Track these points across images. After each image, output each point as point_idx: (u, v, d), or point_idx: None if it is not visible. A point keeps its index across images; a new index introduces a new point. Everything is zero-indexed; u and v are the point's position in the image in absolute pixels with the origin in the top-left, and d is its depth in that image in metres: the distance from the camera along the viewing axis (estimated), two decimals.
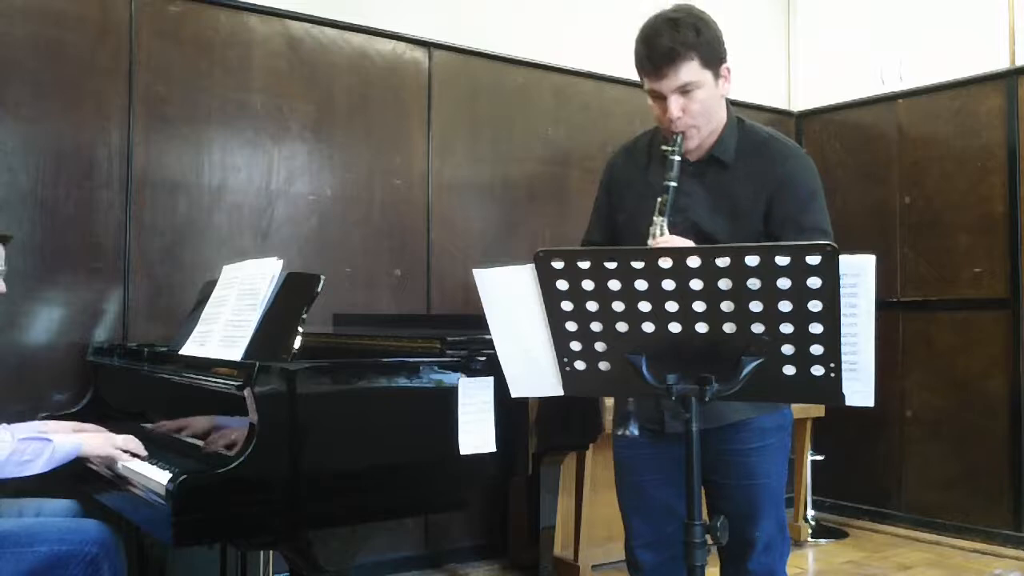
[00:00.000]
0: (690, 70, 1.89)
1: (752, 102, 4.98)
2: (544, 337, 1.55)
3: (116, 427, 2.51)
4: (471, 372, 2.33)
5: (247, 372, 2.05)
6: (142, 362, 2.79)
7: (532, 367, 1.61)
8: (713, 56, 1.92)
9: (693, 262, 1.38)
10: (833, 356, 1.39)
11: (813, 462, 4.64)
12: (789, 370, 1.43)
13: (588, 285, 1.46)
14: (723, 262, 1.37)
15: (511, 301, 1.56)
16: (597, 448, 3.40)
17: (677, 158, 1.92)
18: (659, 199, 1.90)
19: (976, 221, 4.55)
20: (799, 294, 1.35)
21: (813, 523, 4.66)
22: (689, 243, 1.83)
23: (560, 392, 1.61)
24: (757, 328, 1.40)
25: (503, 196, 4.34)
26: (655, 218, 1.89)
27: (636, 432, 1.67)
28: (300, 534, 2.09)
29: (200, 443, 2.30)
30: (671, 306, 1.43)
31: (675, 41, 1.87)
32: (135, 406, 2.86)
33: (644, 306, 1.45)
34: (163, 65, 3.47)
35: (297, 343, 2.23)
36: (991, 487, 4.46)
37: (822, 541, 4.56)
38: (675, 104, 1.91)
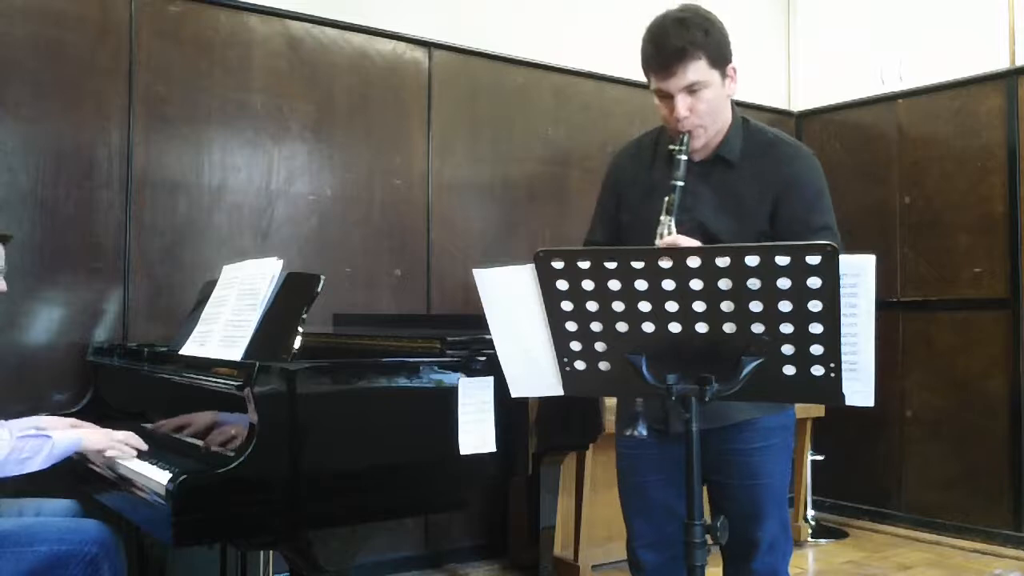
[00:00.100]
0: (697, 69, 1.90)
1: (752, 102, 4.98)
2: (544, 337, 1.55)
3: (116, 427, 2.51)
4: (471, 372, 2.33)
5: (247, 372, 2.05)
6: (142, 362, 2.79)
7: (532, 367, 1.61)
8: (720, 56, 1.93)
9: (693, 262, 1.38)
10: (833, 356, 1.39)
11: (813, 462, 4.64)
12: (789, 370, 1.43)
13: (588, 285, 1.46)
14: (723, 262, 1.37)
15: (511, 301, 1.56)
16: (597, 448, 3.40)
17: (684, 157, 1.92)
18: (666, 198, 1.90)
19: (976, 221, 4.55)
20: (799, 294, 1.35)
21: (813, 523, 4.66)
22: (697, 243, 1.83)
23: (560, 392, 1.61)
24: (757, 328, 1.40)
25: (503, 196, 4.34)
26: (662, 217, 1.88)
27: (645, 433, 1.67)
28: (300, 534, 2.09)
29: (200, 443, 2.30)
30: (671, 306, 1.43)
31: (683, 40, 1.88)
32: (135, 406, 2.86)
33: (644, 306, 1.45)
34: (163, 65, 3.47)
35: (297, 343, 2.23)
36: (991, 487, 4.46)
37: (822, 541, 4.56)
38: (682, 103, 1.91)
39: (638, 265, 1.42)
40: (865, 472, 4.96)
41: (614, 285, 1.44)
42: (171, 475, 1.96)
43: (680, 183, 1.90)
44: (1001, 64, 4.47)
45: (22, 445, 2.09)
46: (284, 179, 3.73)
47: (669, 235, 1.86)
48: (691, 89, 1.91)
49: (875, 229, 4.84)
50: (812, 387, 1.44)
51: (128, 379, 2.95)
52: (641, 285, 1.43)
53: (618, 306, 1.46)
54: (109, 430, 2.31)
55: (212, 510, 1.95)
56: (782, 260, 1.34)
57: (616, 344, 1.51)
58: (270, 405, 2.02)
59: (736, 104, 2.09)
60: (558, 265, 1.46)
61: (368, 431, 2.19)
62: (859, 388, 1.43)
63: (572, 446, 3.02)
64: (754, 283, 1.37)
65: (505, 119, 4.35)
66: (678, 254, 1.40)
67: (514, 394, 1.68)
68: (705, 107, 1.93)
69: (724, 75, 1.96)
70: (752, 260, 1.35)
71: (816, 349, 1.39)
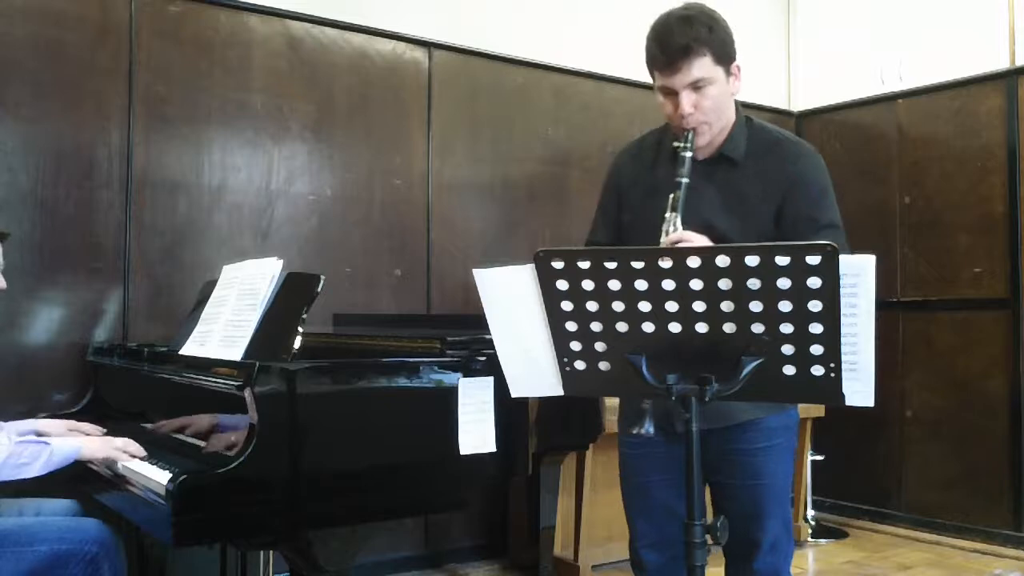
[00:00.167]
0: (702, 66, 1.90)
1: (752, 102, 4.98)
2: (544, 337, 1.55)
3: (116, 427, 2.52)
4: (471, 372, 2.33)
5: (247, 372, 2.05)
6: (142, 362, 2.79)
7: (532, 367, 1.61)
8: (725, 53, 1.94)
9: (693, 262, 1.38)
10: (833, 356, 1.39)
11: (813, 462, 4.64)
12: (789, 370, 1.43)
13: (588, 285, 1.46)
14: (723, 262, 1.37)
15: (511, 301, 1.55)
16: (597, 448, 3.40)
17: (689, 154, 1.92)
18: (671, 195, 1.90)
19: (976, 221, 4.55)
20: (799, 294, 1.35)
21: (813, 523, 4.66)
22: (704, 238, 1.83)
23: (560, 392, 1.61)
24: (757, 328, 1.40)
25: (503, 196, 4.34)
26: (667, 214, 1.88)
27: (652, 430, 1.66)
28: (300, 534, 2.09)
29: (200, 443, 2.30)
30: (671, 306, 1.43)
31: (689, 36, 1.89)
32: (135, 406, 2.86)
33: (644, 306, 1.45)
34: (163, 65, 3.47)
35: (297, 343, 2.23)
36: (991, 487, 4.46)
37: (822, 541, 4.56)
38: (687, 100, 1.92)
39: (638, 265, 1.41)
40: (865, 472, 4.96)
41: (614, 285, 1.44)
42: (171, 475, 1.96)
43: (685, 180, 1.90)
44: (1001, 64, 4.47)
45: (20, 450, 2.09)
46: (284, 179, 3.73)
47: (675, 231, 1.86)
48: (696, 86, 1.91)
49: (875, 229, 4.85)
50: (812, 387, 1.44)
51: (128, 379, 2.95)
52: (641, 285, 1.43)
53: (618, 306, 1.46)
54: (108, 437, 2.31)
55: (212, 510, 1.95)
56: (782, 260, 1.34)
57: (616, 344, 1.51)
58: (270, 405, 2.03)
59: (736, 104, 2.09)
60: (558, 265, 1.46)
61: (368, 431, 2.19)
62: (859, 388, 1.43)
63: (572, 446, 3.02)
64: (754, 283, 1.37)
65: (505, 119, 4.35)
66: (678, 254, 1.40)
67: (514, 394, 1.68)
68: (710, 104, 1.93)
69: (728, 73, 1.96)
70: (752, 260, 1.35)
71: (816, 349, 1.39)
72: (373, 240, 3.94)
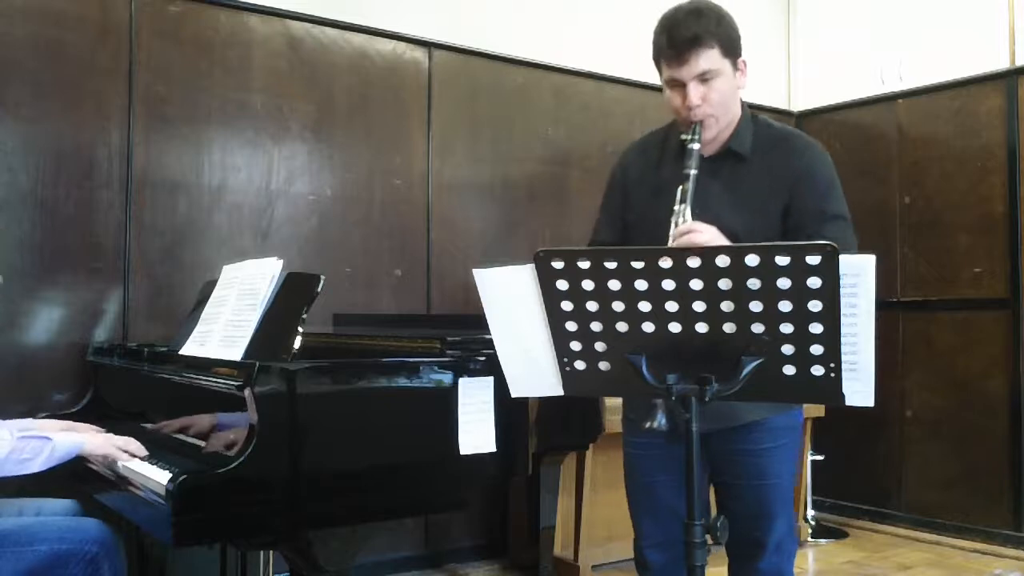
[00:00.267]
0: (710, 57, 1.92)
1: (752, 102, 4.93)
2: (544, 337, 1.55)
3: (116, 427, 2.51)
4: (471, 372, 2.33)
5: (247, 372, 2.05)
6: (142, 362, 2.79)
7: (532, 367, 1.61)
8: (732, 47, 1.96)
9: (693, 262, 1.38)
10: (833, 356, 1.39)
11: (813, 462, 4.64)
12: (789, 370, 1.43)
13: (588, 285, 1.46)
14: (723, 262, 1.37)
15: (511, 301, 1.55)
16: (597, 448, 3.40)
17: (697, 146, 1.93)
18: (680, 187, 1.90)
19: (976, 221, 4.55)
20: (799, 294, 1.35)
21: (813, 523, 4.66)
22: (713, 228, 1.83)
23: (560, 392, 1.61)
24: (757, 328, 1.40)
25: (503, 196, 4.34)
26: (676, 207, 1.88)
27: (664, 422, 1.65)
28: (300, 534, 2.09)
29: (200, 443, 2.30)
30: (671, 306, 1.43)
31: (698, 28, 1.91)
32: (135, 406, 2.86)
33: (644, 306, 1.45)
34: (163, 65, 3.47)
35: (297, 343, 2.23)
36: (991, 487, 4.46)
37: (822, 541, 4.56)
38: (695, 92, 1.93)
39: (638, 265, 1.41)
40: (865, 472, 4.96)
41: (614, 285, 1.44)
42: (171, 475, 1.96)
43: (694, 171, 1.90)
44: (1001, 64, 4.47)
45: (23, 446, 2.09)
46: (284, 179, 3.73)
47: (684, 223, 1.86)
48: (703, 77, 1.93)
49: (875, 229, 4.84)
50: (812, 387, 1.44)
51: (128, 379, 2.95)
52: (641, 285, 1.43)
53: (618, 306, 1.46)
54: (110, 434, 2.31)
55: (212, 510, 1.95)
56: (782, 260, 1.34)
57: (616, 344, 1.51)
58: (270, 405, 2.03)
59: (741, 101, 2.10)
60: (558, 265, 1.46)
61: (368, 431, 2.19)
62: (859, 388, 1.43)
63: (572, 446, 3.01)
64: (754, 283, 1.37)
65: (505, 119, 4.35)
66: (678, 254, 1.40)
67: (514, 394, 1.68)
68: (717, 96, 1.94)
69: (735, 68, 1.98)
70: (752, 260, 1.35)
71: (816, 349, 1.39)
72: (373, 240, 3.94)
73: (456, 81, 4.21)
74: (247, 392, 2.02)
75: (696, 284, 1.39)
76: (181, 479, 1.91)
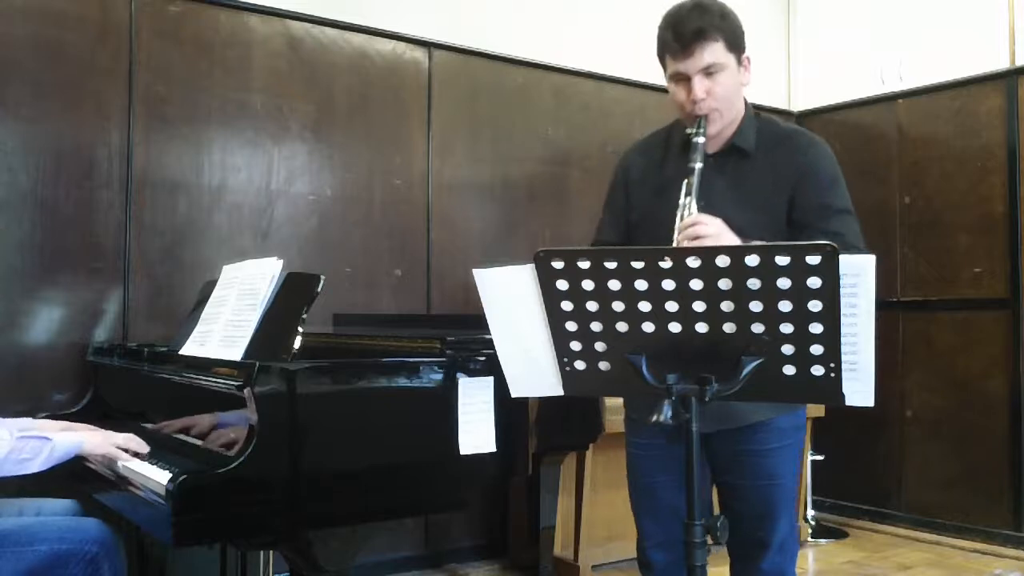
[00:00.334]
0: (715, 51, 1.93)
1: (752, 102, 4.96)
2: (544, 337, 1.55)
3: (116, 427, 2.51)
4: (471, 372, 2.33)
5: (247, 372, 2.05)
6: (142, 362, 2.79)
7: (532, 367, 1.61)
8: (736, 42, 1.97)
9: (693, 262, 1.38)
10: (833, 356, 1.39)
11: (813, 462, 4.64)
12: (789, 370, 1.43)
13: (588, 285, 1.46)
14: (723, 262, 1.37)
15: (511, 301, 1.55)
16: (597, 448, 3.40)
17: (702, 140, 1.93)
18: (686, 181, 1.90)
19: (976, 221, 4.55)
20: (799, 294, 1.35)
21: (813, 523, 4.66)
22: (719, 221, 1.83)
23: (560, 392, 1.61)
24: (757, 328, 1.40)
25: (503, 196, 4.34)
26: (682, 200, 1.88)
27: (670, 416, 1.65)
28: (300, 534, 2.09)
29: (200, 443, 2.30)
30: (671, 306, 1.43)
31: (703, 21, 1.92)
32: (135, 406, 2.86)
33: (644, 306, 1.45)
34: (163, 65, 3.47)
35: (297, 343, 2.23)
36: (991, 487, 4.46)
37: (822, 541, 4.56)
38: (700, 85, 1.94)
39: (638, 265, 1.41)
40: (865, 472, 4.96)
41: (614, 285, 1.44)
42: (171, 475, 1.96)
43: (699, 165, 1.90)
44: (1001, 64, 4.47)
45: (22, 446, 2.09)
46: (284, 179, 3.73)
47: (690, 215, 1.86)
48: (708, 71, 1.94)
49: (875, 229, 4.84)
50: (812, 387, 1.44)
51: (128, 379, 2.95)
52: (641, 285, 1.43)
53: (618, 306, 1.46)
54: (110, 432, 2.31)
55: (212, 510, 1.95)
56: (782, 260, 1.34)
57: (616, 344, 1.51)
58: (270, 405, 2.03)
59: (745, 99, 2.10)
60: (558, 265, 1.46)
61: (368, 431, 2.19)
62: (859, 388, 1.43)
63: (572, 446, 3.01)
64: (754, 283, 1.37)
65: (505, 119, 4.35)
66: (678, 254, 1.40)
67: (514, 394, 1.68)
68: (722, 90, 1.95)
69: (739, 63, 1.99)
70: (752, 260, 1.35)
71: (816, 349, 1.39)
72: (373, 240, 3.94)
73: (456, 81, 4.21)
74: (247, 392, 2.02)
75: (696, 284, 1.39)
76: (181, 479, 1.91)
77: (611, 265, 1.43)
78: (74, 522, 2.26)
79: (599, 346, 1.52)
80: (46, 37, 3.23)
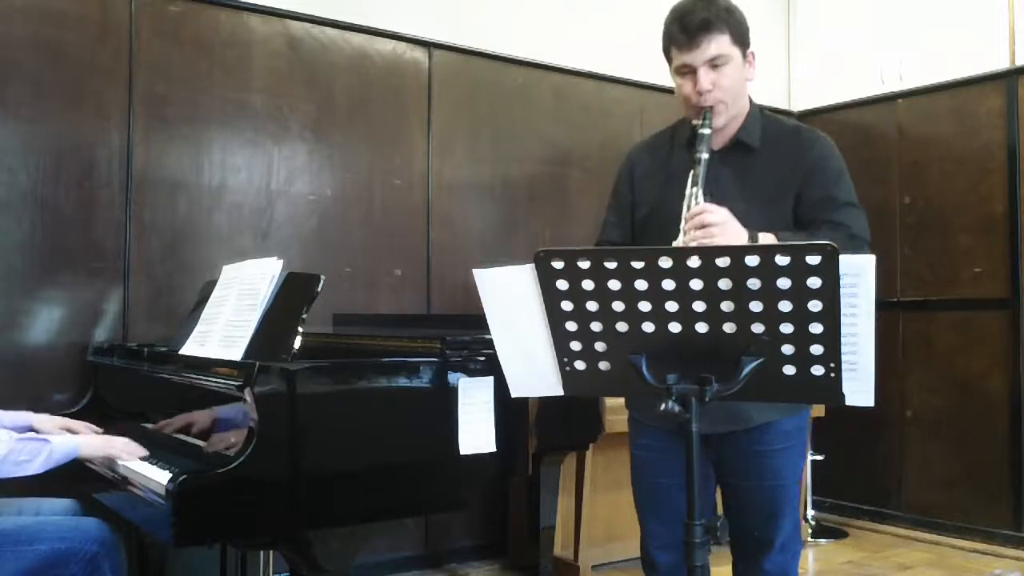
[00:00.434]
0: (721, 43, 1.95)
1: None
2: (544, 337, 1.55)
3: (116, 427, 2.51)
4: (471, 372, 2.33)
5: (247, 372, 2.05)
6: (142, 362, 2.79)
7: (532, 367, 1.61)
8: (741, 36, 1.99)
9: (693, 262, 1.38)
10: (833, 356, 1.39)
11: (813, 462, 4.64)
12: (789, 370, 1.43)
13: (588, 285, 1.46)
14: (723, 262, 1.37)
15: (511, 301, 1.55)
16: (597, 448, 3.40)
17: (708, 131, 1.94)
18: (692, 172, 1.91)
19: (976, 221, 4.55)
20: (799, 294, 1.35)
21: (813, 523, 4.66)
22: (725, 210, 1.84)
23: (560, 392, 1.61)
24: (757, 328, 1.40)
25: (503, 196, 4.34)
26: (688, 190, 1.89)
27: (678, 405, 1.64)
28: (300, 534, 2.09)
29: (200, 443, 2.30)
30: (671, 306, 1.43)
31: (708, 13, 1.95)
32: (135, 406, 2.86)
33: (644, 306, 1.45)
34: (163, 65, 3.47)
35: (297, 343, 2.23)
36: (991, 487, 4.46)
37: (822, 541, 4.56)
38: (706, 77, 1.95)
39: (638, 265, 1.41)
40: (865, 472, 4.96)
41: (614, 285, 1.44)
42: (171, 475, 1.96)
43: (705, 155, 1.91)
44: (1001, 64, 4.47)
45: (20, 447, 2.09)
46: (284, 179, 3.73)
47: (697, 205, 1.86)
48: (714, 63, 1.95)
49: (875, 229, 4.76)
50: (812, 387, 1.44)
51: (128, 379, 2.95)
52: (641, 285, 1.43)
53: (618, 306, 1.46)
54: (108, 436, 2.31)
55: (212, 510, 1.95)
56: (782, 260, 1.34)
57: (616, 344, 1.51)
58: (270, 405, 2.03)
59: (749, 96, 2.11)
60: (558, 265, 1.46)
61: (368, 431, 2.19)
62: (859, 388, 1.43)
63: (572, 446, 3.02)
64: (754, 283, 1.37)
65: (505, 119, 4.35)
66: (678, 254, 1.40)
67: (514, 394, 1.68)
68: (728, 82, 1.97)
69: (744, 57, 2.01)
70: (752, 260, 1.35)
71: (816, 349, 1.39)
72: (373, 240, 3.94)
73: (456, 81, 4.21)
74: (247, 392, 2.02)
75: (696, 284, 1.39)
76: (181, 479, 1.91)
77: (611, 265, 1.43)
78: (74, 521, 2.26)
79: (599, 346, 1.52)
80: (46, 37, 3.23)
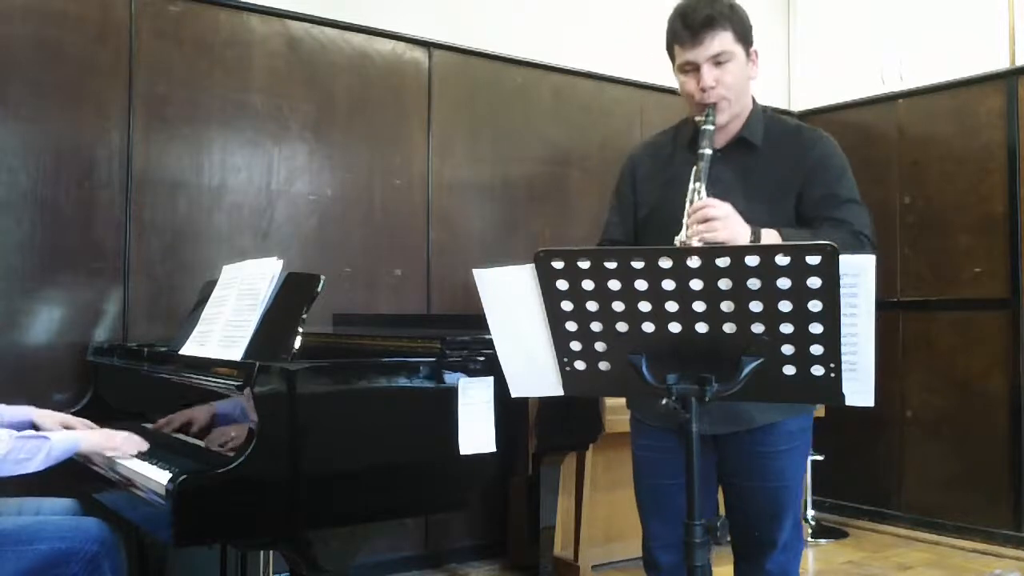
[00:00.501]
0: (724, 40, 1.96)
1: None
2: (544, 337, 1.55)
3: (116, 427, 2.51)
4: (471, 372, 2.33)
5: (247, 372, 2.05)
6: (142, 362, 2.79)
7: (532, 367, 1.61)
8: (745, 33, 2.00)
9: (693, 262, 1.38)
10: (833, 356, 1.39)
11: (813, 462, 4.62)
12: (789, 370, 1.43)
13: (588, 285, 1.46)
14: (723, 262, 1.37)
15: (511, 301, 1.55)
16: (597, 448, 3.40)
17: (711, 127, 1.95)
18: (695, 167, 1.91)
19: (976, 221, 4.55)
20: (799, 294, 1.35)
21: (813, 523, 4.66)
22: (727, 205, 1.84)
23: (560, 392, 1.61)
24: (757, 328, 1.40)
25: (503, 196, 4.34)
26: (691, 185, 1.89)
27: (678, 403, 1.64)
28: (300, 534, 2.09)
29: (200, 443, 2.30)
30: (671, 306, 1.43)
31: (712, 10, 1.96)
32: (135, 406, 2.86)
33: (644, 306, 1.45)
34: (163, 65, 3.47)
35: (297, 343, 2.23)
36: (991, 487, 4.45)
37: (822, 541, 4.56)
38: (709, 74, 1.96)
39: (638, 265, 1.41)
40: (865, 472, 4.96)
41: (614, 285, 1.44)
42: (171, 475, 1.96)
43: (708, 151, 1.92)
44: (1001, 64, 4.47)
45: (20, 446, 2.09)
46: (284, 179, 3.73)
47: (700, 200, 1.86)
48: (717, 60, 1.96)
49: (875, 229, 4.83)
50: (812, 387, 1.44)
51: (128, 379, 2.95)
52: (641, 285, 1.43)
53: (618, 306, 1.46)
54: (108, 431, 2.31)
55: (212, 510, 1.95)
56: (782, 260, 1.34)
57: (616, 344, 1.51)
58: (270, 405, 2.03)
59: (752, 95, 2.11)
60: (558, 265, 1.46)
61: (368, 431, 2.19)
62: (859, 388, 1.43)
63: (572, 446, 3.02)
64: (754, 283, 1.37)
65: (505, 119, 4.35)
66: (677, 254, 1.40)
67: (514, 394, 1.68)
68: (731, 79, 1.97)
69: (747, 55, 2.01)
70: (752, 260, 1.35)
71: (816, 349, 1.39)
72: (373, 240, 3.94)
73: (456, 81, 4.21)
74: (247, 392, 2.02)
75: (696, 284, 1.39)
76: (181, 479, 1.91)
77: (611, 265, 1.43)
78: (74, 521, 2.26)
79: (599, 346, 1.52)
80: (46, 37, 3.23)
